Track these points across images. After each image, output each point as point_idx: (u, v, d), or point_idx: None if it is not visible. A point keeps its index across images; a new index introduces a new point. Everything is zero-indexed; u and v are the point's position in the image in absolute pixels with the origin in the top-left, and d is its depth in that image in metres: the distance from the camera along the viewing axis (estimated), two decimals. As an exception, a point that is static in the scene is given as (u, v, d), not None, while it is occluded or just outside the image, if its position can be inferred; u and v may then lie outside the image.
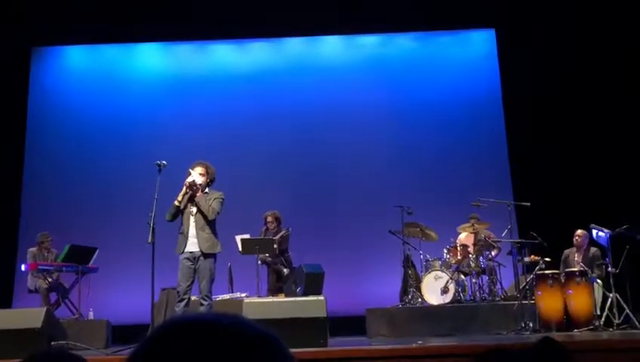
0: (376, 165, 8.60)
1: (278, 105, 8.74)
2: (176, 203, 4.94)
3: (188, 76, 8.88)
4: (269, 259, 7.23)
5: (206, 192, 5.05)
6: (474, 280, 6.81)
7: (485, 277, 6.89)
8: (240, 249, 6.90)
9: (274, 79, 8.81)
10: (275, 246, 6.81)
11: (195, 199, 4.98)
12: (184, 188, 4.97)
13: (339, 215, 8.43)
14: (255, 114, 8.74)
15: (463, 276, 6.93)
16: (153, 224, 4.99)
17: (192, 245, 4.96)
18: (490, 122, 8.64)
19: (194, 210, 5.01)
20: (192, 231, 4.94)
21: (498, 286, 6.81)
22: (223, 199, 5.04)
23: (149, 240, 4.88)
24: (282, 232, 7.21)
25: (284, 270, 7.17)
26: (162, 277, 5.32)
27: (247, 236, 7.00)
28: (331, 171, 8.64)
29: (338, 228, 8.34)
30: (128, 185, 8.37)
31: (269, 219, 7.39)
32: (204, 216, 4.94)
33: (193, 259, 4.97)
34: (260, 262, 6.91)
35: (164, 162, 5.17)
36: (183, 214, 5.02)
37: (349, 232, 8.34)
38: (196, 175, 4.99)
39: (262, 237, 7.23)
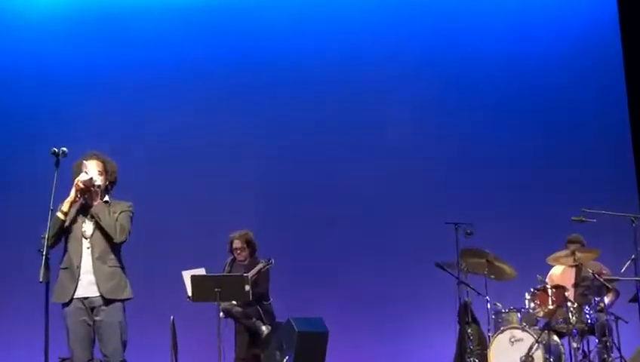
0: (414, 156, 8.50)
1: (253, 52, 8.64)
2: (60, 214, 5.01)
3: (105, 3, 8.78)
4: (238, 309, 7.11)
5: (106, 201, 5.18)
6: (575, 345, 6.71)
7: (594, 339, 6.80)
8: (189, 293, 6.72)
9: (247, 11, 8.77)
10: (248, 288, 6.57)
11: (91, 210, 5.07)
12: (73, 191, 5.02)
13: (351, 237, 8.33)
14: (215, 65, 8.62)
15: (556, 337, 6.82)
16: (47, 252, 4.88)
17: (87, 287, 5.05)
18: (598, 83, 8.54)
19: (88, 227, 5.13)
20: (87, 263, 5.04)
21: (615, 353, 6.70)
22: (133, 213, 5.20)
23: (42, 278, 4.77)
24: (259, 265, 7.06)
25: (263, 327, 7.10)
26: (62, 338, 5.09)
27: (201, 271, 6.84)
28: (339, 165, 8.54)
29: (350, 259, 8.26)
30: (6, 187, 8.25)
31: (237, 244, 7.31)
32: (108, 238, 5.07)
33: (89, 309, 5.04)
34: (222, 314, 6.79)
35: (65, 149, 5.07)
36: (68, 237, 5.10)
37: (368, 266, 8.26)
38: (93, 170, 5.07)
39: (226, 273, 7.06)
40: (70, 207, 5.02)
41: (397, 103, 8.62)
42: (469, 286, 7.11)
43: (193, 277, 6.61)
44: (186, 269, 6.88)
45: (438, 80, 8.67)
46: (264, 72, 8.62)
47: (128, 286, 5.09)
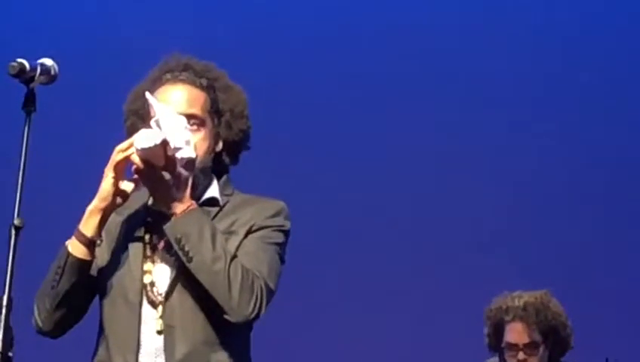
0: None
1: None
2: (74, 247, 2.17)
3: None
4: None
5: (211, 199, 2.30)
6: None
7: None
8: None
9: None
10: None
11: (167, 229, 2.17)
12: (109, 177, 2.19)
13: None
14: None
15: None
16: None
17: None
18: None
19: (158, 275, 2.24)
20: None
21: None
22: (287, 232, 2.33)
23: None
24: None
25: None
26: None
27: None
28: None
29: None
30: None
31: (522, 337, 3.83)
32: (210, 307, 2.17)
33: None
34: None
35: (48, 62, 2.18)
36: (103, 297, 2.29)
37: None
38: (178, 121, 2.16)
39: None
40: (103, 219, 2.16)
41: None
42: None
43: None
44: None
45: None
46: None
47: None
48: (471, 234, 5.24)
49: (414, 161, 5.57)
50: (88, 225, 2.09)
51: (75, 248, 2.08)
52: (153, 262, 2.16)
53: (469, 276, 4.75)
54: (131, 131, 2.16)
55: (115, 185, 2.07)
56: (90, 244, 2.09)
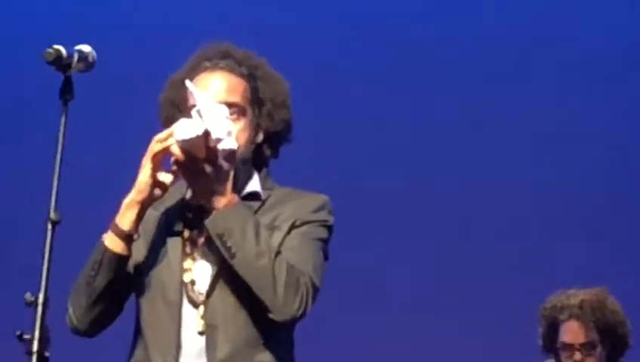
0: None
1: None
2: (112, 241, 2.09)
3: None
4: None
5: (253, 193, 2.21)
6: None
7: None
8: None
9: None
10: None
11: (208, 224, 2.06)
12: (146, 167, 2.08)
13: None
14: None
15: None
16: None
17: None
18: None
19: (198, 274, 2.14)
20: None
21: None
22: (331, 227, 2.24)
23: None
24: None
25: None
26: None
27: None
28: None
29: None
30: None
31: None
32: (253, 306, 2.07)
33: None
34: None
35: (85, 48, 2.06)
36: (140, 295, 2.18)
37: None
38: (219, 111, 2.05)
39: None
40: (141, 212, 2.08)
41: None
42: None
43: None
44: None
45: None
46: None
47: None
48: (526, 230, 5.06)
49: (469, 151, 5.38)
50: (125, 219, 2.00)
51: (112, 242, 2.00)
52: (193, 259, 2.07)
53: (523, 273, 4.58)
54: (167, 121, 2.08)
55: (153, 176, 1.98)
56: (128, 239, 2.01)
